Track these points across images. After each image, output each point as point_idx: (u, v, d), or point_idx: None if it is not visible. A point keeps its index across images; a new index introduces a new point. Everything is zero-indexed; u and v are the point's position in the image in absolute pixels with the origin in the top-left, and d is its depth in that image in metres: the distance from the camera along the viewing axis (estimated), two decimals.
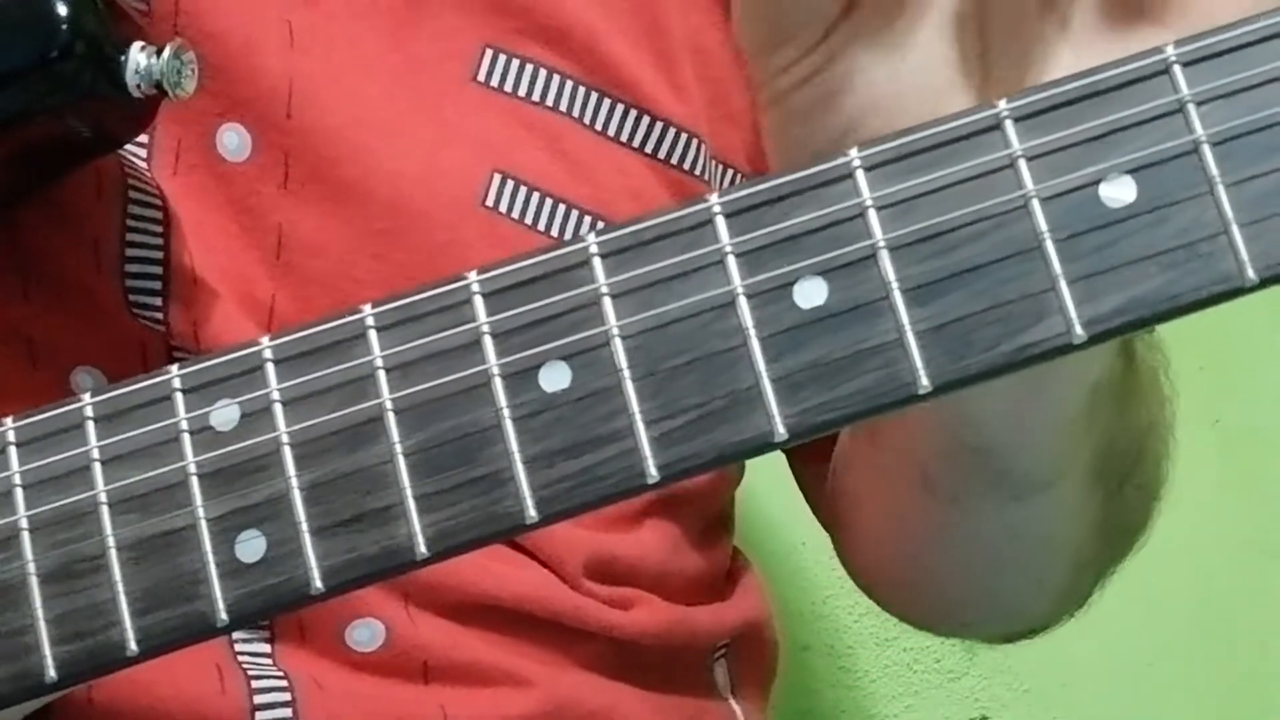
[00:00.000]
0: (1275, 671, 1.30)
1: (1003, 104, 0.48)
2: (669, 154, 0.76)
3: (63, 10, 0.58)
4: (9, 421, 0.53)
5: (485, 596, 0.73)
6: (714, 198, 0.49)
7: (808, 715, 1.11)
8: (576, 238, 0.50)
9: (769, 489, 0.88)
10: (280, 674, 0.70)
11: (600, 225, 0.73)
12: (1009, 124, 0.48)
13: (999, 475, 0.69)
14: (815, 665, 1.08)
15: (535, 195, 0.73)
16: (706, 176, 0.77)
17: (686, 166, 0.76)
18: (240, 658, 0.70)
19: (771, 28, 0.57)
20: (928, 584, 0.81)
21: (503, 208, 0.73)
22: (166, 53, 0.60)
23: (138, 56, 0.60)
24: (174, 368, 0.52)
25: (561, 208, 0.74)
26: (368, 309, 0.51)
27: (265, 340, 0.52)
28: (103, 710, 0.67)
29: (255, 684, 0.70)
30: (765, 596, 0.87)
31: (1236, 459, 1.32)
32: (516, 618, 0.74)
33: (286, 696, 0.70)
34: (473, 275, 0.50)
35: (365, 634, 0.71)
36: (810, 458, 0.84)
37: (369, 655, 0.72)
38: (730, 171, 0.79)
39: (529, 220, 0.73)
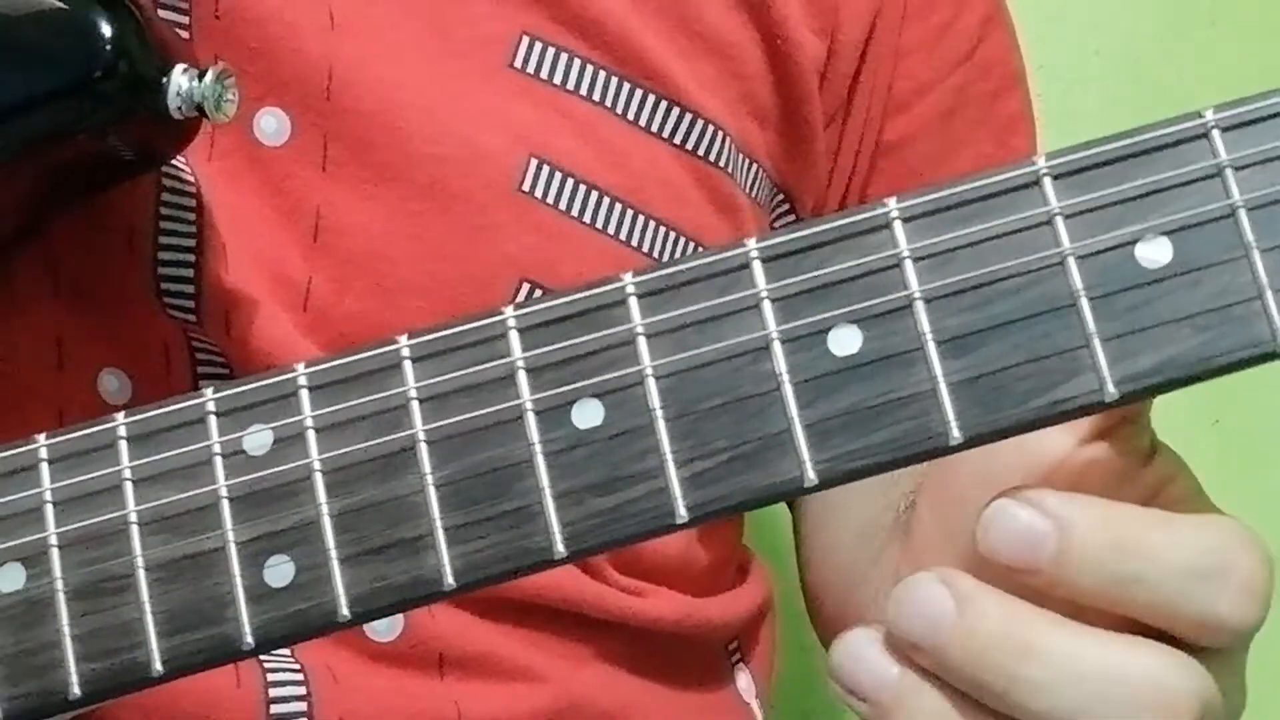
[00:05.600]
0: (1276, 671, 1.31)
1: (1041, 161, 0.48)
2: (696, 145, 0.76)
3: (107, 30, 0.58)
4: (41, 438, 0.53)
5: (504, 587, 0.73)
6: (751, 243, 0.49)
7: (808, 715, 1.12)
8: (612, 276, 0.51)
9: None
10: (297, 667, 0.70)
11: (632, 213, 0.74)
12: (1048, 181, 0.48)
13: None
14: (815, 665, 1.08)
15: (570, 181, 0.74)
16: (731, 169, 0.77)
17: (712, 158, 0.77)
18: None
19: None
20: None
21: (539, 193, 0.73)
22: (209, 76, 0.60)
23: (180, 79, 0.60)
24: (208, 390, 0.53)
25: (595, 194, 0.74)
26: (403, 340, 0.51)
27: (300, 367, 0.52)
28: (117, 704, 0.67)
29: (271, 677, 0.70)
30: (772, 587, 0.87)
31: (1236, 459, 1.33)
32: (534, 609, 0.74)
33: (302, 690, 0.70)
34: (509, 310, 0.51)
35: (384, 623, 0.72)
36: None
37: (386, 645, 0.72)
38: (754, 165, 0.79)
39: (563, 206, 0.73)
